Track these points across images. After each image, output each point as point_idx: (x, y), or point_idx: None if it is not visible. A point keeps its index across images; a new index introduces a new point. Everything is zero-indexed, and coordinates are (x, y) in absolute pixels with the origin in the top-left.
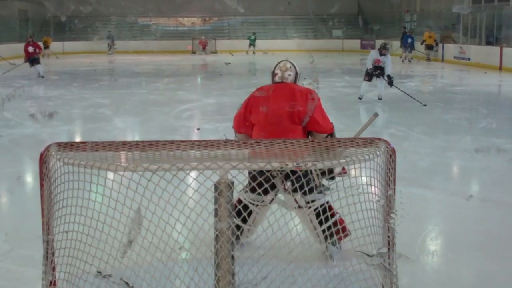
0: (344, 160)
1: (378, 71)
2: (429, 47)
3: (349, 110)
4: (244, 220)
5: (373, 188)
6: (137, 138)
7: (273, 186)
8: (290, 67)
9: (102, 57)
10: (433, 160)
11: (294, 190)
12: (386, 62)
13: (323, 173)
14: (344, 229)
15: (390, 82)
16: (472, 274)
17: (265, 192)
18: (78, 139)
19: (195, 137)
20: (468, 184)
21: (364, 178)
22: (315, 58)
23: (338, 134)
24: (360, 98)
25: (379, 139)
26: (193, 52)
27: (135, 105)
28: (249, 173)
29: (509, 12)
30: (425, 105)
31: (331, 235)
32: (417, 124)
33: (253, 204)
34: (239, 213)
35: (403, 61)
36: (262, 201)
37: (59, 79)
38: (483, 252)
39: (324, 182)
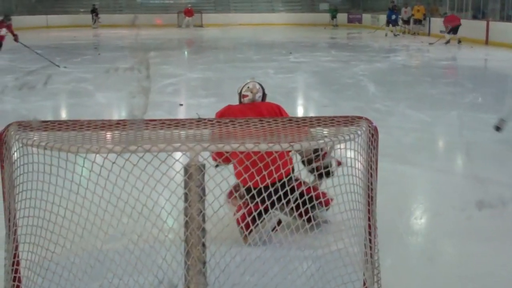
0: (323, 141)
1: None
2: (417, 21)
3: (334, 85)
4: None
5: (354, 170)
6: (120, 113)
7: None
8: (259, 88)
9: (87, 31)
10: (418, 136)
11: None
12: None
13: (311, 163)
14: (318, 196)
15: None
16: (456, 254)
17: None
18: (60, 114)
19: (179, 113)
20: (453, 160)
21: (344, 160)
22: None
23: (323, 110)
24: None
25: (361, 117)
26: (179, 26)
27: (118, 80)
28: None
29: None
30: None
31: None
32: (403, 99)
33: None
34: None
35: (386, 35)
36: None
37: (41, 53)
38: (467, 232)
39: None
